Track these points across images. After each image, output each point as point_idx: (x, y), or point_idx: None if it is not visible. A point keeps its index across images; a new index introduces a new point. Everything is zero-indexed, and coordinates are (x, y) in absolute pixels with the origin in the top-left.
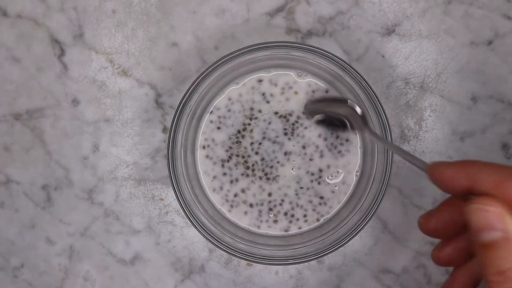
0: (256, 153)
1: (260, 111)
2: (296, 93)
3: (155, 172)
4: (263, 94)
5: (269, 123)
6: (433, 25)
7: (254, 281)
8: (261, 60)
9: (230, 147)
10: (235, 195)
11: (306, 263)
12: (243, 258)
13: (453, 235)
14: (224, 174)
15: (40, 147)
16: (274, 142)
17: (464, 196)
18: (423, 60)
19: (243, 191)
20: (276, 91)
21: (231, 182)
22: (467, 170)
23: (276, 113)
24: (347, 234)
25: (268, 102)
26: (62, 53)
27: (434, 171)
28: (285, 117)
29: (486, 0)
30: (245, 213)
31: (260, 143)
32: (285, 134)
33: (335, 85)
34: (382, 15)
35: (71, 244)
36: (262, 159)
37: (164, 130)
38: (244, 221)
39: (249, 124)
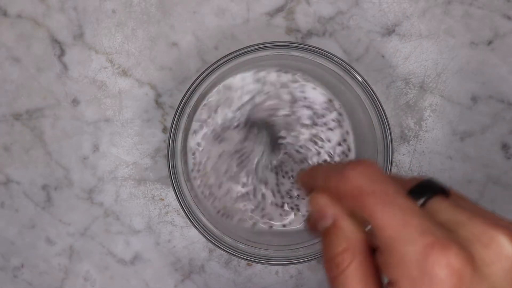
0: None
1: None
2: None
3: (155, 172)
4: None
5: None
6: (433, 25)
7: (254, 281)
8: (261, 60)
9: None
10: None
11: (306, 263)
12: (243, 258)
13: None
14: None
15: (40, 147)
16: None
17: None
18: (423, 60)
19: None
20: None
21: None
22: (311, 174)
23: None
24: None
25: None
26: (62, 53)
27: (296, 179)
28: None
29: (486, 0)
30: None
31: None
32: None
33: (335, 87)
34: (382, 15)
35: (71, 244)
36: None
37: (164, 130)
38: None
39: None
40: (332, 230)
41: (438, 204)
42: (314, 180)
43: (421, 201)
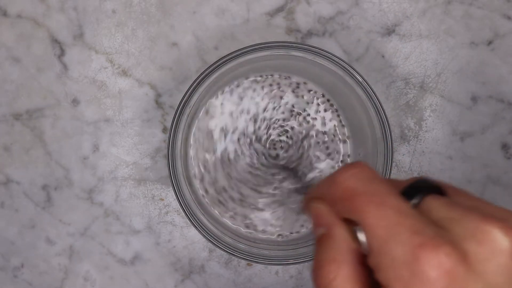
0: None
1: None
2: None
3: (155, 172)
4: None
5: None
6: (433, 25)
7: (254, 281)
8: (261, 60)
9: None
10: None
11: (306, 263)
12: (243, 258)
13: None
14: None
15: (40, 147)
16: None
17: None
18: (423, 60)
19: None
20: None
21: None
22: (312, 196)
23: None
24: None
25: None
26: (62, 53)
27: (303, 206)
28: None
29: (486, 0)
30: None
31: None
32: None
33: (335, 87)
34: (382, 15)
35: (71, 244)
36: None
37: (164, 130)
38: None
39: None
40: (325, 238)
41: (432, 203)
42: (313, 193)
43: (415, 201)
